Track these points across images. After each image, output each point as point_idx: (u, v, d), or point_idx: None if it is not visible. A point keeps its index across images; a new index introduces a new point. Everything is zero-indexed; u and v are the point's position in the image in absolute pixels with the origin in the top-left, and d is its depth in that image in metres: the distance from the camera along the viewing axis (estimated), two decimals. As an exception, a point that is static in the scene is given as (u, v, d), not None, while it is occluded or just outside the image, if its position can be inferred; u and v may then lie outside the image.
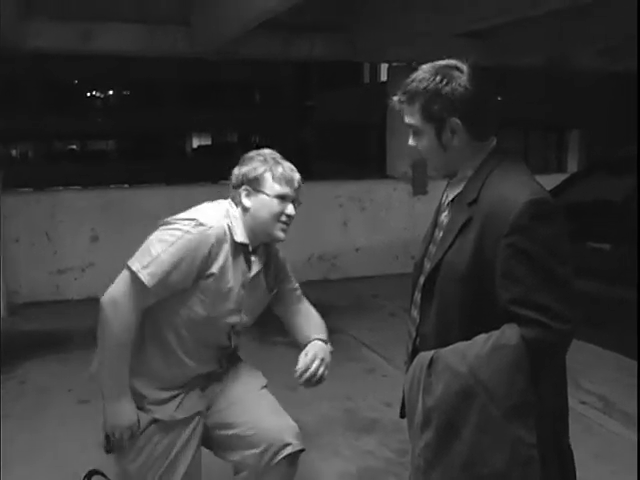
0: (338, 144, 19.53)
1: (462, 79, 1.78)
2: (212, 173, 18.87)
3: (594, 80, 12.37)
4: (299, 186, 2.38)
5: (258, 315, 2.52)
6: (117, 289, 2.21)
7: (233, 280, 2.31)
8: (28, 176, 17.39)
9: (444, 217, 1.95)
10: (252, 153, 2.41)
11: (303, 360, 2.42)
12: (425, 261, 1.98)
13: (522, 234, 1.68)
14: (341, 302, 7.18)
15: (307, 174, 10.98)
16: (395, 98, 1.88)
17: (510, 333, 1.68)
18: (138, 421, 2.32)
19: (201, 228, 2.22)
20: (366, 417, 4.29)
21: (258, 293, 2.45)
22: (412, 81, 1.83)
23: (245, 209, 2.35)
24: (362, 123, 17.64)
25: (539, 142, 16.31)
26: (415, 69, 1.89)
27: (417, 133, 1.87)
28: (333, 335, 5.81)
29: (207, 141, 37.83)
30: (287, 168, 2.37)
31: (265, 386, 2.65)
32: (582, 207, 5.77)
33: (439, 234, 1.94)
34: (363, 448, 3.87)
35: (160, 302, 2.27)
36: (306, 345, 2.48)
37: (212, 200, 2.43)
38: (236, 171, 2.38)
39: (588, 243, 5.45)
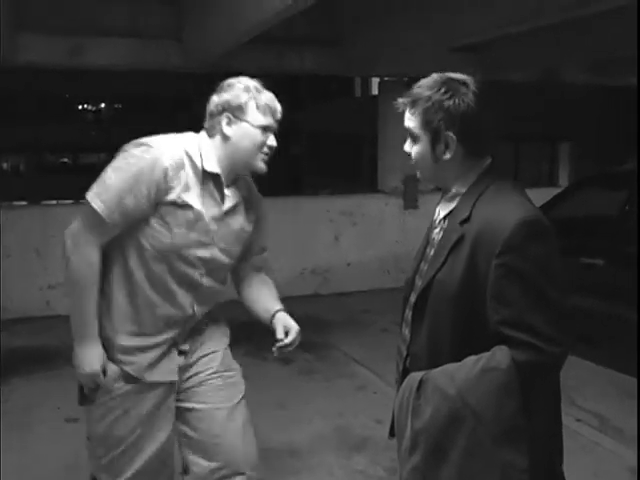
0: (329, 157, 19.51)
1: (467, 96, 1.78)
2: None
3: (585, 93, 12.42)
4: (280, 115, 2.30)
5: (235, 255, 2.40)
6: (76, 222, 2.19)
7: (202, 210, 2.22)
8: (20, 189, 17.31)
9: (436, 234, 1.93)
10: (232, 80, 2.30)
11: (282, 333, 2.34)
12: (417, 278, 1.95)
13: (514, 254, 1.65)
14: (332, 317, 7.16)
15: (298, 187, 11.02)
16: (400, 100, 1.88)
17: (500, 355, 1.65)
18: (104, 371, 2.24)
19: (153, 152, 2.16)
20: (358, 435, 4.25)
21: (233, 230, 2.35)
22: (419, 87, 1.84)
23: (226, 138, 2.25)
24: (353, 136, 17.64)
25: (530, 155, 16.34)
26: (407, 84, 1.88)
27: (413, 138, 1.86)
28: (324, 351, 5.94)
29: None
30: (270, 98, 2.27)
31: (243, 396, 2.52)
32: (575, 222, 5.75)
33: (431, 251, 1.92)
34: (355, 467, 3.83)
35: (125, 234, 2.21)
36: (273, 315, 2.39)
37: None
38: (216, 99, 2.26)
39: (581, 258, 5.42)
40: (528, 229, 1.67)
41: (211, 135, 2.29)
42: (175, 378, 2.36)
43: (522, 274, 1.65)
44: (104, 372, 2.24)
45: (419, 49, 6.55)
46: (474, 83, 1.82)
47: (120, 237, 2.22)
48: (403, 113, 1.88)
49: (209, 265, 2.30)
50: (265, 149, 2.28)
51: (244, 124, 2.24)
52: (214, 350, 2.47)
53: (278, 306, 2.43)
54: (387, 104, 8.36)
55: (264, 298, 2.48)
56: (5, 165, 35.04)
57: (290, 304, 7.31)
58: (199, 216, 2.22)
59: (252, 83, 2.28)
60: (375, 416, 4.44)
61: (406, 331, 1.97)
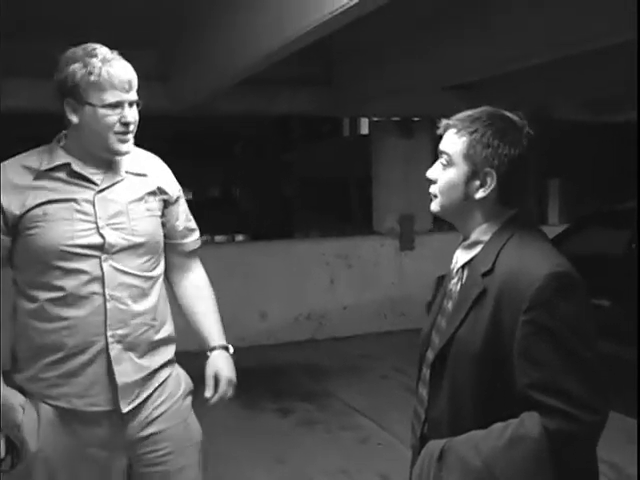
0: (319, 197, 19.44)
1: (519, 138, 1.67)
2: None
3: (577, 130, 12.44)
4: (133, 85, 2.01)
5: (144, 232, 2.11)
6: None
7: (68, 198, 2.01)
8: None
9: (453, 285, 1.78)
10: (68, 52, 1.99)
11: (211, 386, 2.21)
12: (433, 334, 1.79)
13: (543, 310, 1.51)
14: (330, 364, 6.96)
15: (289, 229, 10.83)
16: (444, 121, 1.74)
17: (530, 423, 1.49)
18: (22, 409, 2.00)
19: None
20: (363, 494, 4.04)
21: (123, 204, 2.07)
22: (472, 115, 1.71)
23: (75, 125, 2.00)
24: (343, 176, 17.58)
25: (536, 188, 16.33)
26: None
27: (448, 164, 1.71)
28: (324, 400, 5.72)
29: (188, 196, 38.03)
30: (116, 67, 1.96)
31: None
32: (578, 261, 5.58)
33: (448, 305, 1.76)
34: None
35: (14, 271, 2.06)
36: (207, 353, 2.24)
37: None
38: (55, 77, 1.99)
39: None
40: (558, 283, 1.52)
41: (67, 123, 2.04)
42: (112, 407, 2.06)
43: (552, 332, 1.50)
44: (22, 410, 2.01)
45: (411, 88, 6.47)
46: (527, 126, 1.70)
47: (14, 272, 2.06)
48: (444, 134, 1.74)
49: (108, 250, 2.03)
50: (118, 127, 2.01)
51: (88, 107, 1.97)
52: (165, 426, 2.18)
53: (213, 340, 2.27)
54: (380, 143, 8.31)
55: (201, 319, 2.30)
56: None
57: (286, 350, 7.10)
58: (70, 208, 2.00)
59: (89, 50, 1.98)
60: (380, 471, 4.26)
61: (424, 392, 1.80)
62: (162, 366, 2.17)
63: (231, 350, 2.31)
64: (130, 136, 2.06)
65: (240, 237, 7.83)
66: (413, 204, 7.77)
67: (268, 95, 7.44)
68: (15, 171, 2.02)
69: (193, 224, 2.35)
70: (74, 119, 2.00)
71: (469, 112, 1.73)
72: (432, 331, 1.81)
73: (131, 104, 2.02)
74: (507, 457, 1.49)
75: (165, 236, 2.23)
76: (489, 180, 1.66)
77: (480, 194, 1.68)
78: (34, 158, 2.06)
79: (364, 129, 17.21)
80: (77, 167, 2.04)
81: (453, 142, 1.71)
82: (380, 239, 8.42)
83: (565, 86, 7.05)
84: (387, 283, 8.22)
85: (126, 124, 2.01)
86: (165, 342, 2.19)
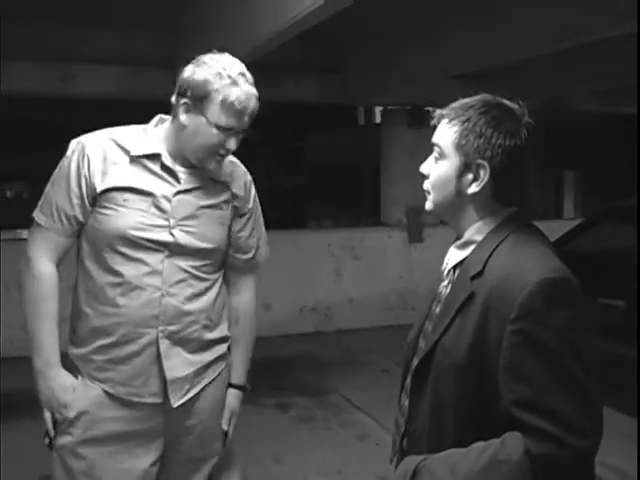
0: (332, 187, 19.29)
1: (516, 129, 1.51)
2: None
3: (590, 121, 12.21)
4: (251, 116, 2.00)
5: (211, 239, 2.11)
6: (27, 244, 2.07)
7: (149, 192, 2.01)
8: (23, 217, 17.10)
9: (443, 288, 1.63)
10: (210, 57, 1.99)
11: (227, 422, 2.28)
12: (420, 340, 1.65)
13: (533, 319, 1.35)
14: (332, 357, 6.85)
15: (301, 218, 10.78)
16: (438, 111, 1.60)
17: (512, 445, 1.34)
18: (73, 389, 2.04)
19: (74, 147, 2.04)
20: (359, 496, 3.90)
21: (198, 207, 2.07)
22: (466, 103, 1.56)
23: (181, 125, 2.00)
24: (356, 165, 17.42)
25: (535, 185, 16.09)
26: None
27: (440, 156, 1.57)
28: (324, 395, 5.59)
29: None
30: (245, 94, 1.95)
31: None
32: (592, 259, 5.43)
33: (437, 309, 1.61)
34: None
35: (82, 241, 2.07)
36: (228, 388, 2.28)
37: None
38: (186, 73, 1.97)
39: (599, 299, 5.08)
40: (550, 290, 1.36)
41: (173, 115, 2.04)
42: (161, 400, 2.07)
43: (542, 345, 1.35)
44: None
45: (421, 77, 6.33)
46: (526, 115, 1.54)
47: (79, 247, 2.08)
48: (435, 127, 1.60)
49: (171, 248, 2.04)
50: (221, 151, 2.02)
51: (202, 119, 1.96)
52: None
53: (238, 377, 2.29)
54: (390, 134, 8.15)
55: (233, 350, 2.29)
56: (8, 194, 35.10)
57: (290, 342, 6.95)
58: (148, 199, 2.01)
59: (230, 68, 1.96)
60: (377, 472, 4.10)
61: (405, 402, 1.66)
62: (213, 362, 2.18)
63: (248, 390, 2.35)
64: (224, 160, 2.08)
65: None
66: (422, 195, 7.54)
67: (277, 82, 7.33)
68: (106, 145, 2.03)
69: (257, 242, 2.31)
70: (184, 120, 1.98)
71: (464, 100, 1.58)
72: (419, 336, 1.67)
73: (239, 132, 2.01)
74: None
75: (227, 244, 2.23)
76: (482, 173, 1.51)
77: (473, 189, 1.53)
78: (128, 138, 2.05)
79: (379, 118, 17.03)
80: (167, 161, 2.05)
81: (445, 132, 1.56)
82: (388, 231, 8.28)
83: (579, 76, 6.87)
84: (394, 276, 8.07)
85: (227, 151, 2.03)
86: (218, 342, 2.19)
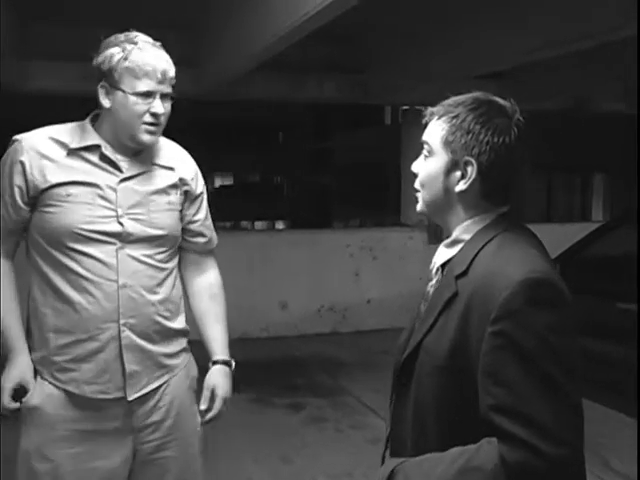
0: (358, 186, 19.27)
1: (505, 125, 1.47)
2: (234, 212, 18.60)
3: (617, 122, 12.01)
4: (167, 77, 1.98)
5: (158, 226, 2.07)
6: None
7: (92, 183, 1.99)
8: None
9: (430, 287, 1.59)
10: (111, 37, 1.99)
11: (207, 400, 2.20)
12: (411, 341, 1.59)
13: (513, 321, 1.30)
14: (348, 358, 6.81)
15: (327, 218, 10.79)
16: (429, 109, 1.56)
17: (487, 452, 1.30)
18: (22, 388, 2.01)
19: (11, 146, 2.02)
20: (366, 500, 3.86)
21: (145, 194, 2.05)
22: (453, 100, 1.53)
23: (107, 109, 1.99)
24: (382, 165, 17.37)
25: (561, 186, 15.85)
26: (428, 113, 1.58)
27: (429, 154, 1.54)
28: (337, 396, 5.56)
29: (229, 181, 38.20)
30: (148, 56, 1.94)
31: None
32: (612, 262, 5.33)
33: (423, 308, 1.57)
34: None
35: (31, 243, 2.04)
36: (209, 365, 2.24)
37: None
38: (94, 61, 1.99)
39: (617, 303, 4.98)
40: (533, 291, 1.31)
41: (100, 106, 2.03)
42: (123, 395, 2.04)
43: (522, 347, 1.30)
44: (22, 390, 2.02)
45: (442, 77, 6.27)
46: (518, 113, 1.49)
47: (29, 250, 2.06)
48: (426, 125, 1.56)
49: (123, 238, 2.01)
50: (147, 118, 1.98)
51: (119, 93, 1.96)
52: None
53: (216, 353, 2.24)
54: (410, 133, 8.07)
55: (208, 327, 2.27)
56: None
57: (306, 343, 6.91)
58: (92, 192, 1.99)
59: (132, 38, 1.97)
60: (387, 475, 4.05)
61: (393, 406, 1.63)
62: (174, 355, 2.15)
63: (233, 365, 2.28)
64: (158, 128, 2.03)
65: (281, 224, 7.70)
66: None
67: (297, 81, 7.34)
68: (43, 142, 2.01)
69: (211, 224, 2.32)
70: (106, 103, 1.99)
71: (456, 97, 1.54)
72: (410, 338, 1.60)
73: (163, 96, 1.99)
74: None
75: (183, 231, 2.21)
76: (469, 170, 1.46)
77: (461, 186, 1.48)
78: (65, 133, 2.04)
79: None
80: (107, 151, 2.03)
81: (433, 129, 1.52)
82: (407, 231, 8.22)
83: (603, 76, 6.75)
84: (414, 277, 7.94)
85: (155, 115, 1.98)
86: (178, 333, 2.17)
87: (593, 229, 6.03)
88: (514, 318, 1.30)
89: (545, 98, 7.67)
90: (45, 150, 2.00)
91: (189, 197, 2.19)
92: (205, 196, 2.27)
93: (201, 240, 2.27)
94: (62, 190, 1.97)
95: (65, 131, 2.05)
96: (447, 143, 1.49)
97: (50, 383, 2.02)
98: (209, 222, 2.30)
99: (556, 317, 1.33)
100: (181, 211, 2.17)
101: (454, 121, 1.48)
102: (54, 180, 1.97)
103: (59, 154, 2.00)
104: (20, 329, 2.04)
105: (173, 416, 2.14)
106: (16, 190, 1.98)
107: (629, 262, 5.36)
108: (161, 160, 2.12)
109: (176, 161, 2.17)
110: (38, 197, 1.98)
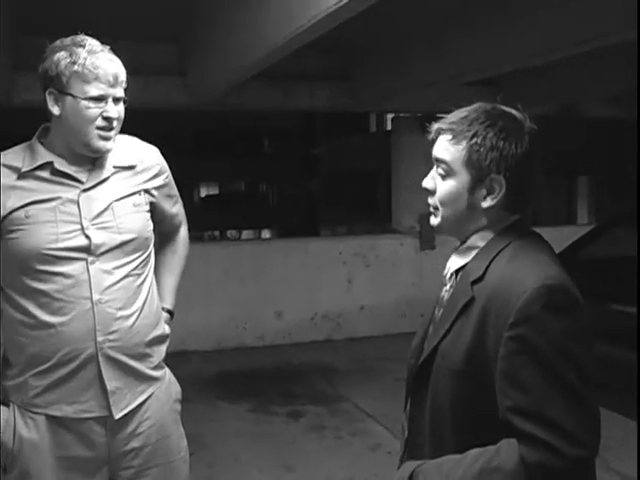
0: (346, 193, 19.31)
1: (522, 138, 1.50)
2: (220, 221, 18.52)
3: (605, 127, 12.13)
4: (118, 80, 1.93)
5: (127, 230, 2.01)
6: None
7: (51, 198, 1.93)
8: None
9: (445, 292, 1.63)
10: (56, 41, 1.93)
11: None
12: (425, 345, 1.63)
13: (529, 326, 1.34)
14: (345, 365, 6.81)
15: (315, 225, 10.77)
16: (436, 126, 1.56)
17: (507, 453, 1.34)
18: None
19: None
20: (369, 506, 3.88)
21: (107, 205, 1.98)
22: (467, 116, 1.52)
23: (57, 118, 1.93)
24: (369, 172, 17.44)
25: (548, 190, 15.96)
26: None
27: (448, 174, 1.54)
28: (336, 404, 5.57)
29: (215, 190, 38.08)
30: (96, 58, 1.88)
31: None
32: (605, 264, 5.39)
33: (439, 314, 1.61)
34: None
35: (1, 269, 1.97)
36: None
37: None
38: (40, 69, 1.93)
39: (612, 305, 5.03)
40: (549, 296, 1.36)
41: (49, 118, 1.97)
42: (103, 414, 1.98)
43: (537, 352, 1.34)
44: None
45: (432, 84, 6.30)
46: (528, 119, 1.53)
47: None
48: (433, 141, 1.57)
49: (93, 251, 1.95)
50: (100, 122, 1.92)
51: (68, 98, 1.89)
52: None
53: (166, 302, 2.27)
54: (401, 141, 8.11)
55: (162, 279, 2.28)
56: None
57: (301, 350, 6.95)
58: (52, 209, 1.92)
59: (78, 42, 1.91)
60: (388, 482, 4.07)
61: (409, 408, 1.67)
62: (155, 367, 2.11)
63: (174, 314, 2.31)
64: (112, 133, 1.97)
65: (267, 233, 7.64)
66: (433, 203, 7.50)
67: (288, 90, 7.33)
68: None
69: (181, 203, 2.34)
70: (55, 110, 1.92)
71: (462, 112, 1.55)
72: (424, 342, 1.66)
73: (116, 100, 1.94)
74: None
75: (161, 224, 2.20)
76: (497, 187, 1.50)
77: (488, 203, 1.52)
78: (15, 157, 1.98)
79: (389, 125, 17.02)
80: (60, 166, 1.96)
81: (450, 149, 1.53)
82: (400, 238, 8.24)
83: (591, 82, 6.82)
84: (406, 283, 8.03)
85: (108, 119, 1.92)
86: (157, 341, 2.12)
87: (584, 232, 6.09)
88: (531, 323, 1.34)
89: (535, 104, 7.74)
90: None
91: (161, 192, 2.17)
92: (172, 180, 2.24)
93: (176, 223, 2.33)
94: (21, 213, 1.91)
95: (13, 155, 1.99)
96: (470, 162, 1.50)
97: (28, 410, 1.96)
98: (179, 206, 2.32)
99: (571, 322, 1.37)
100: (150, 211, 2.12)
101: (475, 140, 1.49)
102: (10, 205, 1.91)
103: (12, 179, 1.94)
104: None
105: (153, 442, 2.08)
106: None
107: (622, 264, 5.44)
108: (121, 161, 2.06)
109: (136, 158, 2.10)
110: (0, 226, 1.93)
